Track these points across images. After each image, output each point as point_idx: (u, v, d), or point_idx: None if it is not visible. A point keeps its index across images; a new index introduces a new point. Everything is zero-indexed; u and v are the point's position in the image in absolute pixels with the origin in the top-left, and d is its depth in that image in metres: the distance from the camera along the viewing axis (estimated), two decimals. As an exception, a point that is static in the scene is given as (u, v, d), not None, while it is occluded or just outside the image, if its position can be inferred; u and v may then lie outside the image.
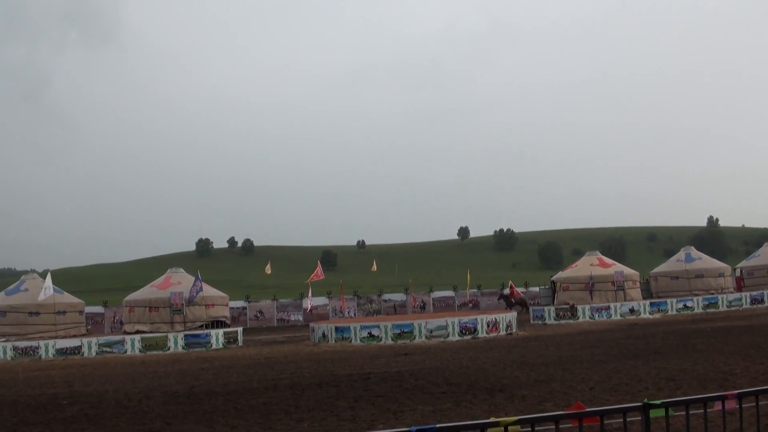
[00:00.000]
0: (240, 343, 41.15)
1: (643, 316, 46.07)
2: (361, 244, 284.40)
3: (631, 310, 46.66)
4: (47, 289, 40.55)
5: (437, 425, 6.05)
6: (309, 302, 56.76)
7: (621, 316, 46.07)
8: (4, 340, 40.18)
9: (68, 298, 45.21)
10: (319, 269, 51.83)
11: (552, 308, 47.62)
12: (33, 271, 49.08)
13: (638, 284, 51.14)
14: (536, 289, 58.32)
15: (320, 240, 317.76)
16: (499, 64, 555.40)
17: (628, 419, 6.98)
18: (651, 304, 47.78)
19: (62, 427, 15.61)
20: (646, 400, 6.94)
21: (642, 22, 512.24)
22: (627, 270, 51.13)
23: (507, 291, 56.91)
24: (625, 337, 30.90)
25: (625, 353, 24.22)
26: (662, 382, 17.06)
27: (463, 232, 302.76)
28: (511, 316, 39.51)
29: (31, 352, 38.87)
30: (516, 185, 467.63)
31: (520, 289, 59.04)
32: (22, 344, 39.40)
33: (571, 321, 45.38)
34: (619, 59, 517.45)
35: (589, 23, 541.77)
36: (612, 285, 48.51)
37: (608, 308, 46.49)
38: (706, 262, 54.98)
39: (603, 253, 55.92)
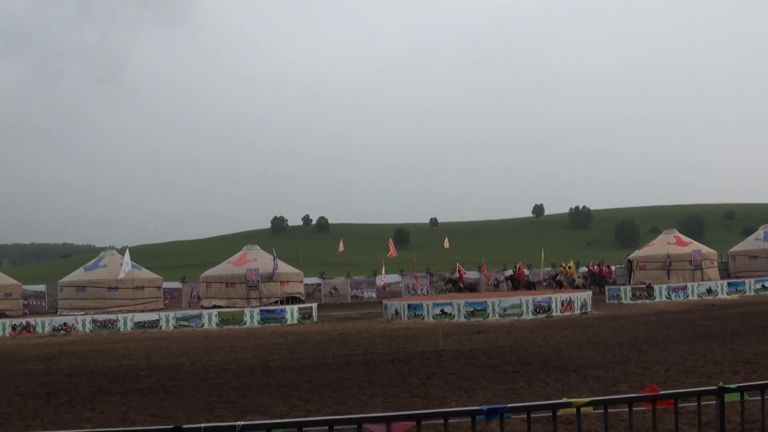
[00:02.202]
0: (314, 319, 41.51)
1: (721, 297, 45.12)
2: (433, 222, 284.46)
3: (709, 291, 45.72)
4: (126, 265, 41.43)
5: (508, 405, 6.06)
6: (382, 279, 57.09)
7: (698, 296, 45.18)
8: (83, 313, 41.22)
9: (146, 273, 46.08)
10: (391, 246, 52.03)
11: (628, 287, 46.92)
12: (112, 247, 50.09)
13: (716, 263, 50.01)
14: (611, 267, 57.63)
15: (393, 217, 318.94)
16: (571, 38, 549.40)
17: (702, 403, 6.90)
18: (729, 284, 46.70)
19: (139, 398, 16.01)
20: (721, 384, 6.84)
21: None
22: (705, 249, 50.03)
23: (456, 275, 57.57)
24: (701, 318, 30.39)
25: (702, 335, 23.84)
26: (738, 365, 16.78)
27: (538, 209, 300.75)
28: (586, 295, 39.16)
29: (109, 325, 39.80)
30: (591, 162, 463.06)
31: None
32: (101, 317, 40.34)
33: (647, 301, 44.62)
34: (692, 33, 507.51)
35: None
36: (689, 264, 47.53)
37: (685, 288, 45.61)
38: (785, 240, 53.51)
39: (681, 231, 54.90)
